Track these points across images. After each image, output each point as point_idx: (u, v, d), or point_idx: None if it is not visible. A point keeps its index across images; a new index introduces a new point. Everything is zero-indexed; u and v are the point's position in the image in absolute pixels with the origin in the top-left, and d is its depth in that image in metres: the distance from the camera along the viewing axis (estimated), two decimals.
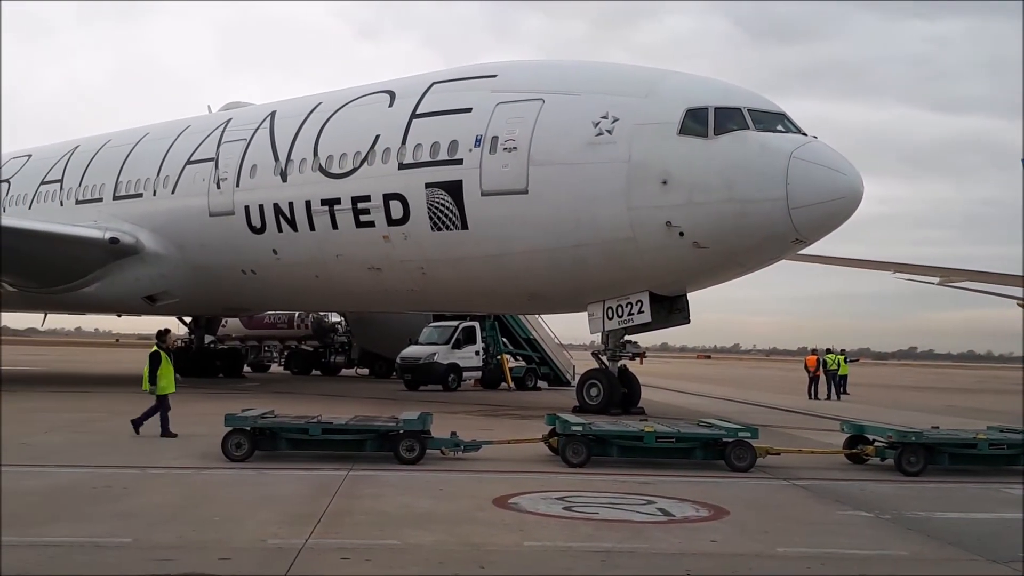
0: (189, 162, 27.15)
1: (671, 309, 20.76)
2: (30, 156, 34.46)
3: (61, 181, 31.38)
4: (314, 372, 41.22)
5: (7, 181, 33.73)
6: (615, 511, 9.54)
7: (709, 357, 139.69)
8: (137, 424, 15.24)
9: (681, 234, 18.73)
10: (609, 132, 19.29)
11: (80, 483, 10.58)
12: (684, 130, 18.89)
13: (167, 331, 17.35)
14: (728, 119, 18.97)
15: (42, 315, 38.36)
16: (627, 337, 20.92)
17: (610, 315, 20.34)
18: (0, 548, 7.06)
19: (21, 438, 14.50)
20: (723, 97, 19.53)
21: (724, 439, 12.92)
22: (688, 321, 21.02)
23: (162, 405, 15.35)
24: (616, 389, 20.63)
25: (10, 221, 29.90)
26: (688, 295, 20.98)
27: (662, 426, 13.72)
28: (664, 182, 18.75)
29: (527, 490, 10.57)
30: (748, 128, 18.86)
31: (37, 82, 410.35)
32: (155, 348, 15.92)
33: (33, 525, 8.15)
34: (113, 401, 23.33)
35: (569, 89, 20.48)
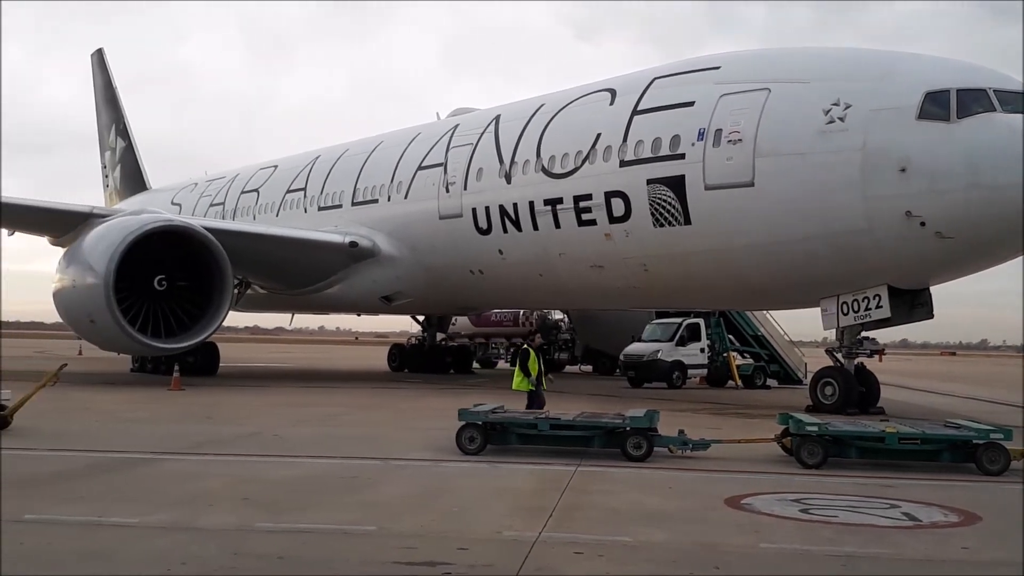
0: (420, 168, 28.27)
1: (912, 304, 19.61)
2: (276, 167, 36.94)
3: (304, 189, 33.46)
4: None
5: (256, 191, 36.33)
6: (855, 515, 9.11)
7: (954, 354, 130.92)
8: None
9: (922, 224, 17.67)
10: (841, 119, 18.48)
11: (328, 473, 11.24)
12: (924, 114, 17.82)
13: (537, 331, 17.97)
14: (972, 101, 17.73)
15: (289, 315, 41.04)
16: (864, 333, 19.97)
17: (845, 310, 19.49)
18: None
19: (274, 430, 15.58)
20: (966, 78, 18.27)
21: (974, 441, 12.07)
22: (931, 316, 19.80)
23: (536, 400, 15.48)
24: (853, 388, 19.74)
25: (260, 228, 32.28)
26: (931, 288, 19.78)
27: (905, 427, 13.00)
28: (903, 170, 17.76)
29: (760, 491, 10.29)
30: (994, 110, 17.56)
31: (280, 96, 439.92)
32: (524, 346, 16.39)
33: (286, 512, 8.69)
34: (355, 396, 24.69)
35: (796, 77, 19.79)
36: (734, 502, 9.56)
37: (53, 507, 8.55)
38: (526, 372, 16.05)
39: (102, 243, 24.55)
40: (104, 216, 29.19)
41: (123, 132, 50.73)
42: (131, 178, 49.89)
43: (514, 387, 16.26)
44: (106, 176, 52.47)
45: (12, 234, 36.21)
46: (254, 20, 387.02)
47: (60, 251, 28.75)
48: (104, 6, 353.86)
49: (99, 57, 52.57)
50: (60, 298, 25.72)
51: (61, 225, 31.49)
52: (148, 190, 48.23)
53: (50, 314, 29.43)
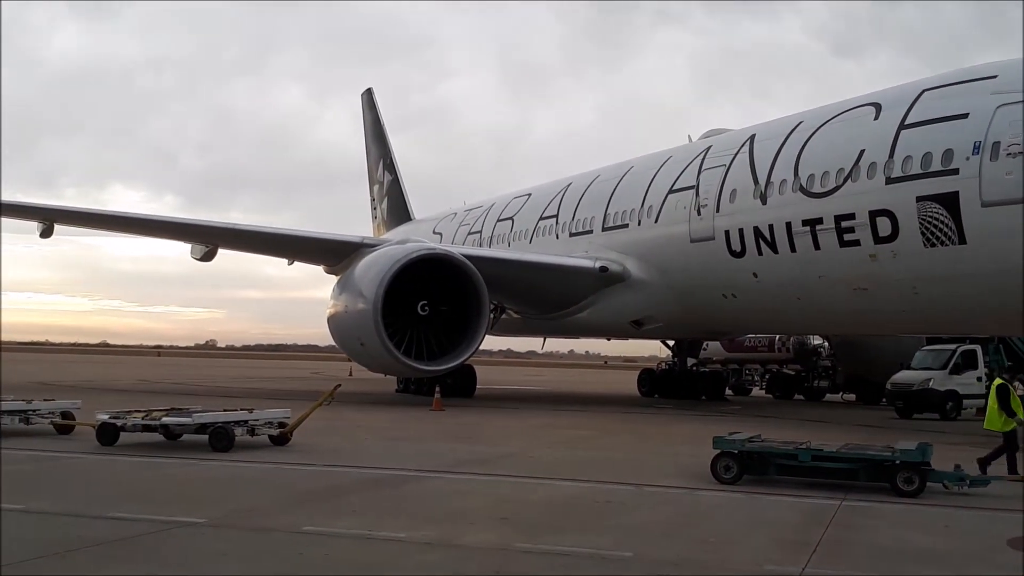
0: (671, 191, 28.06)
1: None
2: (530, 195, 37.89)
3: (556, 216, 34.09)
4: (796, 396, 40.34)
5: (511, 218, 37.41)
6: None
7: None
8: (984, 464, 13.43)
9: None
10: None
11: (582, 496, 11.31)
12: None
13: (1012, 365, 16.32)
14: None
15: (541, 339, 41.85)
16: None
17: None
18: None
19: (529, 452, 15.93)
20: None
21: None
22: None
23: (1011, 443, 13.78)
24: None
25: (515, 254, 33.21)
26: None
27: None
28: None
29: None
30: None
31: (535, 127, 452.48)
32: (1000, 381, 14.42)
33: (544, 533, 8.81)
34: (606, 420, 24.79)
35: None
36: (1019, 543, 8.80)
37: (329, 520, 9.11)
38: (1010, 412, 13.88)
39: (371, 271, 26.16)
40: (373, 246, 31.12)
41: (390, 166, 53.88)
42: (397, 209, 52.88)
43: (987, 425, 14.17)
44: (374, 208, 55.91)
45: (291, 263, 39.35)
46: (510, 57, 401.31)
47: (333, 279, 30.91)
48: (374, 49, 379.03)
49: (368, 96, 56.20)
50: (334, 323, 27.63)
51: (335, 254, 33.87)
52: (412, 220, 50.90)
53: (324, 337, 31.67)
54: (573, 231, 32.67)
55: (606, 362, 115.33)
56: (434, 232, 43.10)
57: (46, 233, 33.07)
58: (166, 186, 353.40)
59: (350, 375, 46.70)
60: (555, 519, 9.69)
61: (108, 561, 7.35)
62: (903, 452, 11.98)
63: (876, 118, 22.07)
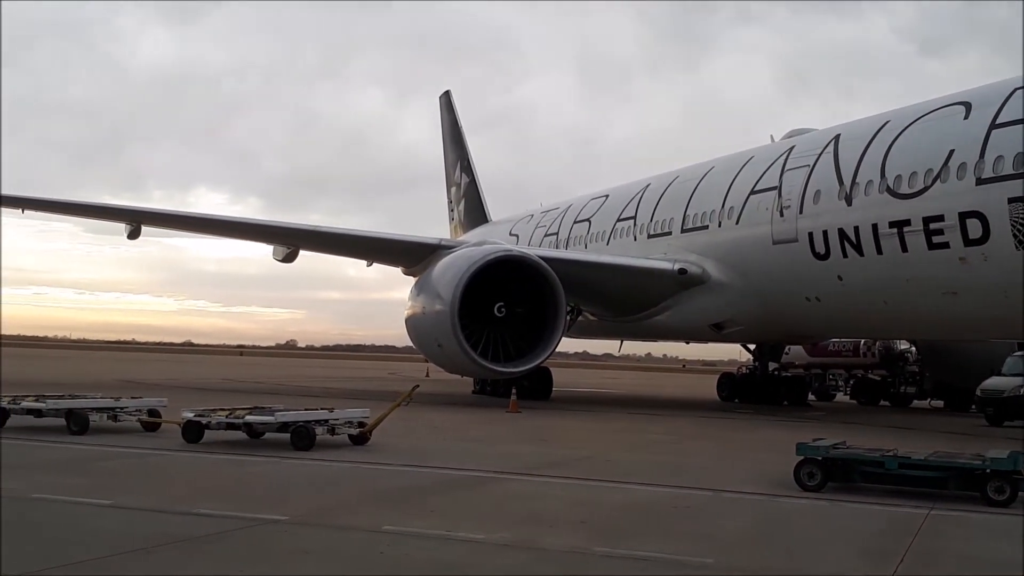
0: (752, 192, 27.63)
1: None
2: (607, 196, 37.68)
3: (634, 217, 33.83)
4: (882, 403, 39.40)
5: (588, 220, 37.27)
6: None
7: None
8: None
9: None
10: None
11: (661, 501, 11.16)
12: None
13: None
14: None
15: (618, 342, 41.58)
16: None
17: None
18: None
19: (606, 455, 15.81)
20: None
21: None
22: None
23: None
24: None
25: (591, 256, 33.09)
26: None
27: None
28: None
29: None
30: None
31: (613, 129, 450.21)
32: None
33: (623, 538, 8.72)
34: (685, 424, 24.53)
35: None
36: None
37: (409, 520, 9.15)
38: None
39: (448, 273, 26.34)
40: (450, 247, 31.33)
41: (467, 168, 54.16)
42: (474, 211, 53.14)
43: None
44: (451, 210, 56.28)
45: (370, 265, 39.85)
46: (588, 57, 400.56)
47: (411, 280, 31.20)
48: (452, 52, 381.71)
49: (447, 99, 56.59)
50: (411, 324, 27.89)
51: (413, 256, 34.22)
52: (489, 222, 51.08)
53: (401, 338, 32.03)
54: (651, 233, 32.39)
55: (684, 365, 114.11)
56: (511, 234, 43.18)
57: (134, 234, 33.99)
58: (249, 188, 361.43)
59: (427, 376, 47.03)
60: (634, 523, 9.59)
61: (191, 557, 7.49)
62: (994, 461, 11.57)
63: (966, 117, 21.45)
